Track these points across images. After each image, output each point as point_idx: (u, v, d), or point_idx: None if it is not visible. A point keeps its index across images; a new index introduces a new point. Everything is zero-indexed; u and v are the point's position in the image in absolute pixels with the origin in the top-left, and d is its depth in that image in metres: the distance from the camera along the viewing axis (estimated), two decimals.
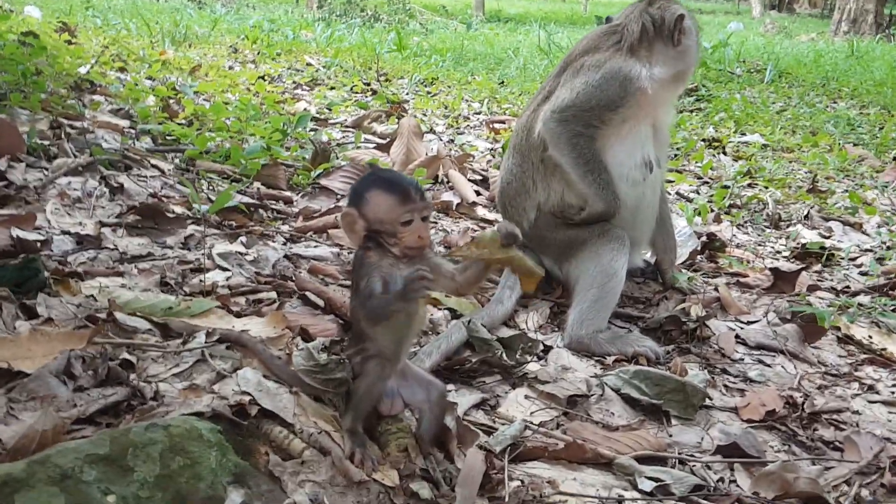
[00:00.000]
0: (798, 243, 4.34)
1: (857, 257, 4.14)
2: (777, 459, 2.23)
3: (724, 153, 6.98)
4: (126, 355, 2.19)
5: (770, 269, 3.63)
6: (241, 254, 3.21)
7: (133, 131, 4.84)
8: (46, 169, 3.75)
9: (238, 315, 2.62)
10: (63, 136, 4.19)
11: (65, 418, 1.86)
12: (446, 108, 8.10)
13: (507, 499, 1.93)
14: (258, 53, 9.98)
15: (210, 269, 3.04)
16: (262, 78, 7.73)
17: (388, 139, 5.85)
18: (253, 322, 2.54)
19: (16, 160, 3.72)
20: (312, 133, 5.24)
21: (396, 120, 6.73)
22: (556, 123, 3.12)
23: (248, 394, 2.05)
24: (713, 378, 2.71)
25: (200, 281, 2.87)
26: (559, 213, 3.18)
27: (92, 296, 2.57)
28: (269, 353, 2.26)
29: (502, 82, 10.38)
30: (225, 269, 3.05)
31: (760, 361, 2.89)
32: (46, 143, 4.10)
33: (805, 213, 4.95)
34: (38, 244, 2.85)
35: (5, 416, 1.85)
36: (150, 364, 2.19)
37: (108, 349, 2.17)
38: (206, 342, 2.26)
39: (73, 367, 2.06)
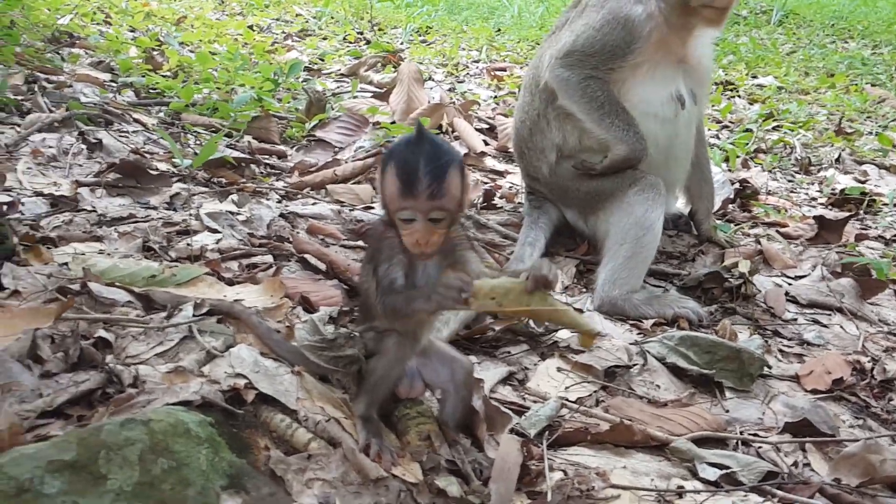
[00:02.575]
0: (834, 189, 4.03)
1: None
2: (853, 437, 1.95)
3: (739, 96, 6.65)
4: (102, 333, 1.89)
5: (814, 218, 3.33)
6: (232, 213, 2.90)
7: (114, 85, 4.50)
8: (19, 125, 3.42)
9: (230, 282, 2.32)
10: (38, 90, 3.84)
11: (28, 411, 1.57)
12: (444, 56, 7.74)
13: (549, 495, 1.65)
14: (246, 4, 9.54)
15: (198, 231, 2.73)
16: (251, 28, 7.34)
17: (385, 88, 5.51)
18: (247, 290, 2.23)
19: None
20: (305, 83, 4.88)
21: (393, 68, 6.38)
22: (562, 69, 2.81)
23: (244, 376, 1.75)
24: (767, 342, 2.42)
25: (187, 244, 2.56)
26: (580, 165, 2.87)
27: (65, 264, 2.26)
28: (267, 326, 1.96)
29: (499, 30, 10.01)
30: (215, 231, 2.73)
31: (816, 321, 2.60)
32: (20, 98, 3.77)
33: (836, 156, 4.64)
34: (5, 207, 2.54)
35: None
36: (129, 343, 1.89)
37: (82, 326, 1.87)
38: (193, 315, 1.96)
39: (39, 349, 1.76)
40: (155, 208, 2.93)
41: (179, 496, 1.38)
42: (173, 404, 1.60)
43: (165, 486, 1.38)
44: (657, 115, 2.80)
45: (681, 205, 3.26)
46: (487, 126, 4.65)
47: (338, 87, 5.43)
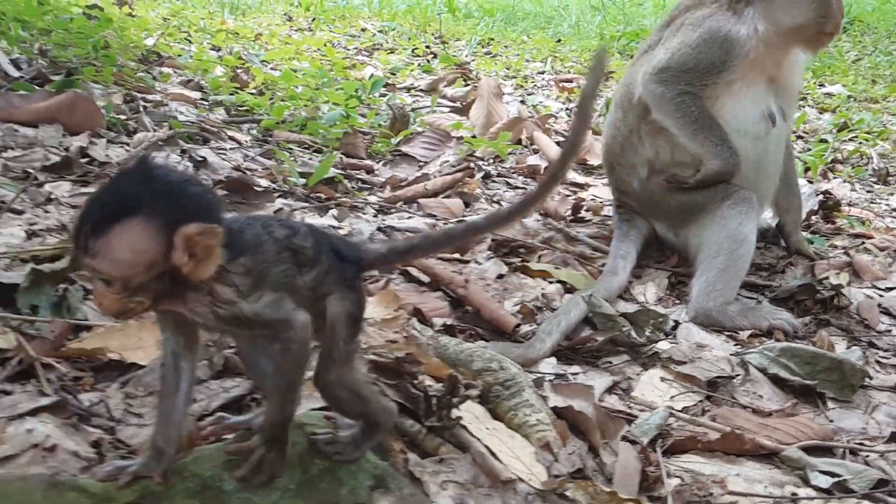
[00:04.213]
0: None
1: None
2: None
3: (809, 106, 6.64)
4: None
5: None
6: (334, 227, 3.04)
7: (206, 103, 4.70)
8: (127, 144, 3.62)
9: None
10: (140, 109, 4.05)
11: (189, 415, 1.71)
12: (509, 68, 7.85)
13: (669, 499, 1.73)
14: (312, 20, 9.78)
15: None
16: (325, 45, 7.55)
17: (458, 101, 5.65)
18: None
19: (96, 136, 3.59)
20: (385, 98, 5.03)
21: (463, 83, 6.51)
22: (656, 85, 2.89)
23: (377, 383, 1.87)
24: (864, 353, 2.48)
25: None
26: (672, 179, 2.95)
27: None
28: None
29: (559, 40, 10.11)
30: None
31: None
32: (123, 117, 3.98)
33: None
34: None
35: (125, 414, 1.71)
36: None
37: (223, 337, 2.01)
38: None
39: None
40: None
41: (334, 495, 1.50)
42: (316, 409, 1.73)
43: (323, 486, 1.50)
44: (748, 132, 2.87)
45: (767, 216, 3.31)
46: (564, 139, 4.73)
47: (413, 102, 5.57)
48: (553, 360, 2.33)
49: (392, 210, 3.40)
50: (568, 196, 3.84)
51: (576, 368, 2.34)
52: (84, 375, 1.83)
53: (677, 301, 2.84)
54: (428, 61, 7.90)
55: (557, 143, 4.55)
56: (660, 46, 2.97)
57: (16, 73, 4.40)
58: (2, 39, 4.73)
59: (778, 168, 3.03)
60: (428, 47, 8.67)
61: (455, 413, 1.80)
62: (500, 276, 2.84)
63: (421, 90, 5.90)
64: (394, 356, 1.89)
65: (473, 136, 4.42)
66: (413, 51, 8.17)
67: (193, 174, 1.41)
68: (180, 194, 1.28)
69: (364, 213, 3.30)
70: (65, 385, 1.76)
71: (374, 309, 2.31)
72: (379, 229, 3.14)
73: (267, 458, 1.43)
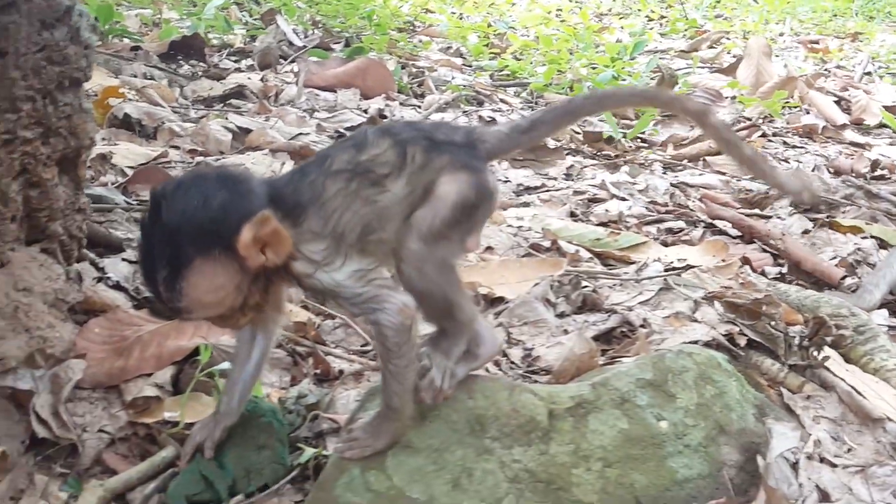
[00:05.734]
0: None
1: None
2: None
3: None
4: (584, 283, 2.18)
5: None
6: (631, 183, 3.13)
7: (469, 68, 4.92)
8: (418, 106, 3.88)
9: (664, 244, 2.55)
10: (423, 74, 4.32)
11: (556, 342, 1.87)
12: (746, 32, 7.60)
13: None
14: None
15: (605, 200, 2.98)
16: (560, 11, 7.63)
17: (708, 63, 5.58)
18: (687, 251, 2.44)
19: (389, 98, 3.88)
20: (646, 62, 5.04)
21: (710, 44, 6.40)
22: None
23: (734, 323, 1.95)
24: None
25: (606, 210, 2.82)
26: None
27: (519, 226, 2.59)
28: None
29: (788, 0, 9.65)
30: (623, 199, 2.97)
31: None
32: (407, 82, 4.26)
33: None
34: None
35: (509, 338, 1.89)
36: (610, 293, 2.16)
37: (577, 277, 2.16)
38: (664, 271, 2.20)
39: (546, 294, 2.06)
40: (555, 179, 3.23)
41: (726, 418, 1.59)
42: (689, 342, 1.83)
43: (716, 409, 1.60)
44: None
45: None
46: (835, 99, 4.56)
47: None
48: (884, 311, 2.31)
49: (679, 167, 3.44)
50: (849, 156, 3.71)
51: None
52: None
53: None
54: (660, 24, 7.82)
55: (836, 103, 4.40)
56: None
57: (299, 43, 4.81)
58: (283, 11, 5.16)
59: None
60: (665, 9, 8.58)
61: (823, 354, 1.85)
62: (806, 232, 2.82)
63: (682, 51, 5.86)
64: (752, 297, 1.96)
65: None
66: (647, 15, 8.09)
67: (209, 169, 1.32)
68: (212, 209, 1.17)
69: (651, 170, 3.36)
70: None
71: (703, 257, 2.39)
72: (672, 185, 3.19)
73: (378, 427, 1.31)
